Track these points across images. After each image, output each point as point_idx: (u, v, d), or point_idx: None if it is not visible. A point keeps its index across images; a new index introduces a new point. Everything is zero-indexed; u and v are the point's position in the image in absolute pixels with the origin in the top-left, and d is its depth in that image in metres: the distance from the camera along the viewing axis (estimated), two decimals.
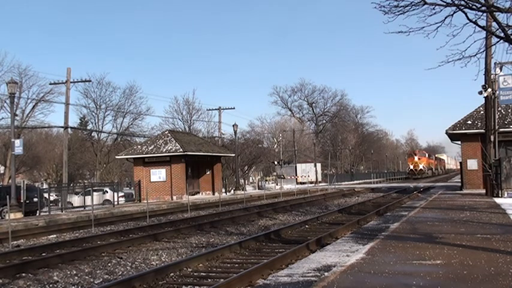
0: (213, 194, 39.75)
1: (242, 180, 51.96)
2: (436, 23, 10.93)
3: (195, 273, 9.38)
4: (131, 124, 59.19)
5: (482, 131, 26.71)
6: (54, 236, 16.75)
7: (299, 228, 15.90)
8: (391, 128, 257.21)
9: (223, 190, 42.54)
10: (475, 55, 11.47)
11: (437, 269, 6.77)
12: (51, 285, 9.05)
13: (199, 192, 39.31)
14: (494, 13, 10.93)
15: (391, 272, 6.67)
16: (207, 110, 59.36)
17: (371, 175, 75.96)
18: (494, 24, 11.82)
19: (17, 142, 24.51)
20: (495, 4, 10.98)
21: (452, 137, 32.49)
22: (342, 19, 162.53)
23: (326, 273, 6.84)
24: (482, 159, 27.29)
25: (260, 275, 8.48)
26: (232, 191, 45.17)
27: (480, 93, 24.59)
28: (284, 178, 59.59)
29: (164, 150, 35.71)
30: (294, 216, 21.08)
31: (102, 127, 57.87)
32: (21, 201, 24.99)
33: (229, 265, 10.19)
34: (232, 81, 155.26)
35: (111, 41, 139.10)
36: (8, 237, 14.34)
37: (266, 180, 66.94)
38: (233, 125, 42.47)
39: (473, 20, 10.85)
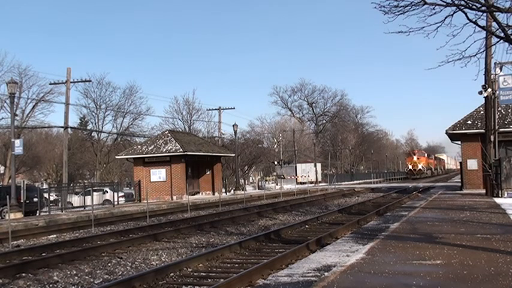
0: (213, 194, 39.75)
1: (242, 180, 51.96)
2: (436, 23, 10.95)
3: (195, 273, 9.38)
4: (131, 124, 59.28)
5: (482, 131, 26.71)
6: (54, 236, 16.75)
7: (299, 228, 15.90)
8: (391, 128, 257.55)
9: (223, 190, 42.55)
10: (475, 55, 11.48)
11: (437, 269, 6.77)
12: (51, 285, 9.05)
13: (199, 192, 39.31)
14: (494, 13, 10.93)
15: (391, 272, 6.67)
16: (207, 110, 59.48)
17: (371, 175, 75.85)
18: (494, 24, 11.83)
19: (17, 142, 24.51)
20: (495, 4, 10.99)
21: (452, 137, 32.49)
22: (342, 19, 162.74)
23: (326, 273, 6.84)
24: (482, 159, 27.30)
25: (260, 275, 8.48)
26: (232, 191, 45.17)
27: (480, 93, 24.59)
28: (284, 178, 59.59)
29: (164, 150, 35.71)
30: (294, 216, 21.08)
31: (102, 127, 57.97)
32: (21, 201, 24.99)
33: (229, 265, 10.18)
34: (232, 81, 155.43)
35: (111, 41, 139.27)
36: (8, 237, 14.34)
37: (266, 180, 66.95)
38: (233, 125, 42.49)
39: (473, 20, 10.86)
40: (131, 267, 10.44)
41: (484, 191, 24.74)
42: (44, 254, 12.36)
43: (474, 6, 10.68)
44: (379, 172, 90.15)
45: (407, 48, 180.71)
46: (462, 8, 10.68)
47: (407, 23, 14.04)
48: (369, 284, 6.02)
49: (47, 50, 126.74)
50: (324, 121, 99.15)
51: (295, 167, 68.75)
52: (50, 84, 44.45)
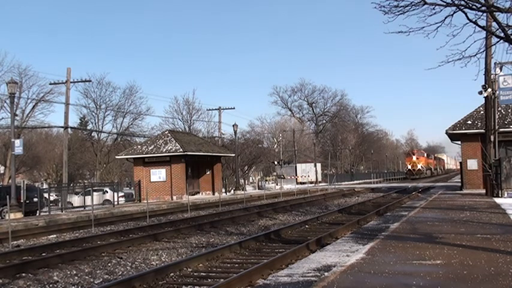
0: (213, 194, 39.75)
1: (242, 180, 51.96)
2: (436, 23, 10.95)
3: (195, 273, 9.38)
4: (131, 124, 59.28)
5: (482, 131, 26.71)
6: (54, 236, 16.75)
7: (299, 228, 15.90)
8: (391, 128, 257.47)
9: (223, 190, 42.55)
10: (475, 55, 11.48)
11: (437, 269, 6.77)
12: (51, 285, 9.05)
13: (199, 192, 39.32)
14: (494, 13, 10.93)
15: (391, 272, 6.67)
16: (207, 110, 59.48)
17: (371, 175, 75.79)
18: (494, 24, 11.83)
19: (17, 142, 24.51)
20: (495, 4, 10.99)
21: (452, 137, 32.49)
22: (342, 19, 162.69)
23: (326, 273, 6.84)
24: (482, 159, 27.30)
25: (260, 275, 8.48)
26: (232, 191, 45.17)
27: (480, 93, 24.59)
28: (284, 178, 59.59)
29: (164, 150, 35.71)
30: (294, 216, 21.08)
31: (102, 127, 57.98)
32: (21, 201, 24.99)
33: (229, 265, 10.19)
34: (232, 81, 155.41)
35: (111, 41, 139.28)
36: (8, 237, 14.34)
37: (266, 180, 66.94)
38: (233, 125, 42.49)
39: (473, 20, 10.86)
40: (131, 267, 10.44)
41: (484, 191, 24.75)
42: (44, 254, 12.36)
43: (474, 6, 10.68)
44: (379, 172, 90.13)
45: (407, 48, 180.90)
46: (462, 8, 10.68)
47: (407, 23, 14.07)
48: (369, 284, 6.02)
49: (47, 50, 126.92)
50: (324, 121, 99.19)
51: (295, 167, 68.76)
52: (50, 84, 44.53)
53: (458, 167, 63.01)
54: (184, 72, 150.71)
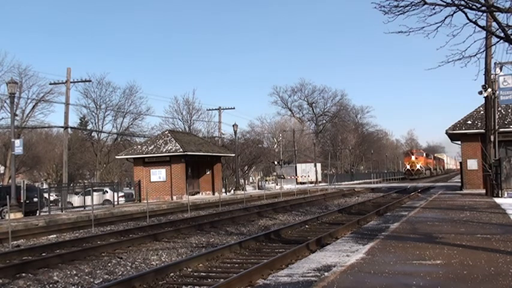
0: (213, 194, 39.75)
1: (242, 180, 51.97)
2: (436, 23, 10.95)
3: (195, 273, 9.38)
4: (131, 124, 59.28)
5: (482, 131, 26.71)
6: (54, 236, 16.75)
7: (299, 228, 15.90)
8: (391, 128, 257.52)
9: (223, 190, 42.55)
10: (475, 55, 11.48)
11: (437, 269, 6.77)
12: (51, 285, 9.05)
13: (199, 192, 39.31)
14: (494, 13, 10.93)
15: (391, 272, 6.67)
16: (207, 110, 59.49)
17: (371, 175, 75.72)
18: (494, 24, 11.83)
19: (17, 142, 24.51)
20: (495, 4, 10.99)
21: (452, 137, 32.49)
22: (342, 19, 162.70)
23: (326, 273, 6.84)
24: (482, 159, 27.30)
25: (260, 275, 8.48)
26: (232, 191, 45.17)
27: (480, 93, 24.59)
28: (284, 178, 59.60)
29: (164, 150, 35.71)
30: (294, 216, 21.08)
31: (102, 127, 57.97)
32: (21, 201, 24.99)
33: (229, 265, 10.18)
34: (232, 81, 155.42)
35: (111, 41, 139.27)
36: (8, 237, 14.34)
37: (266, 180, 66.95)
38: (233, 125, 42.49)
39: (473, 20, 10.86)
40: (131, 267, 10.44)
41: (484, 191, 24.75)
42: (44, 254, 12.36)
43: (474, 6, 10.68)
44: (379, 172, 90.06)
45: (407, 48, 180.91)
46: (462, 8, 10.68)
47: (407, 23, 14.06)
48: (369, 284, 6.02)
49: (47, 50, 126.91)
50: (324, 121, 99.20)
51: (295, 167, 68.76)
52: (50, 84, 44.53)
53: (458, 167, 62.94)
54: (184, 72, 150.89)
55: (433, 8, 10.69)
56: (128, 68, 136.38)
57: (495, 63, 23.07)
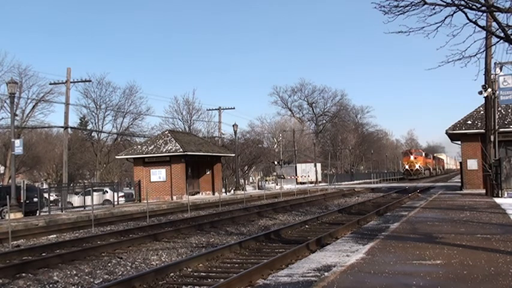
0: (213, 194, 39.75)
1: (242, 180, 51.97)
2: (436, 23, 10.95)
3: (195, 273, 9.38)
4: (131, 124, 59.25)
5: (482, 131, 26.71)
6: (54, 236, 16.75)
7: (299, 228, 15.90)
8: (391, 128, 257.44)
9: (223, 190, 42.55)
10: (475, 55, 11.48)
11: (437, 269, 6.77)
12: (51, 285, 9.05)
13: (199, 192, 39.31)
14: (494, 13, 10.93)
15: (391, 272, 6.67)
16: (207, 110, 59.48)
17: (371, 175, 75.66)
18: (494, 24, 11.82)
19: (17, 142, 24.51)
20: (495, 4, 10.99)
21: (452, 137, 32.49)
22: (342, 19, 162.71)
23: (326, 273, 6.84)
24: (482, 159, 27.30)
25: (260, 275, 8.48)
26: (232, 191, 45.17)
27: (480, 93, 24.59)
28: (284, 178, 59.60)
29: (164, 150, 35.71)
30: (294, 216, 21.08)
31: (102, 127, 57.95)
32: (21, 201, 24.99)
33: (229, 265, 10.18)
34: (232, 81, 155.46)
35: (111, 41, 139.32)
36: (8, 237, 14.33)
37: (266, 180, 66.95)
38: (233, 125, 42.49)
39: (473, 20, 10.86)
40: (131, 267, 10.44)
41: (484, 191, 24.75)
42: (44, 254, 12.36)
43: (474, 6, 10.68)
44: (379, 172, 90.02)
45: (407, 48, 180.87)
46: (462, 8, 10.68)
47: (407, 23, 14.05)
48: (369, 284, 6.02)
49: (47, 50, 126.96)
50: (324, 121, 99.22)
51: (295, 167, 68.76)
52: (50, 84, 44.53)
53: (458, 167, 62.85)
54: (184, 72, 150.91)
55: (433, 8, 10.69)
56: (128, 68, 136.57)
57: (495, 63, 23.08)
